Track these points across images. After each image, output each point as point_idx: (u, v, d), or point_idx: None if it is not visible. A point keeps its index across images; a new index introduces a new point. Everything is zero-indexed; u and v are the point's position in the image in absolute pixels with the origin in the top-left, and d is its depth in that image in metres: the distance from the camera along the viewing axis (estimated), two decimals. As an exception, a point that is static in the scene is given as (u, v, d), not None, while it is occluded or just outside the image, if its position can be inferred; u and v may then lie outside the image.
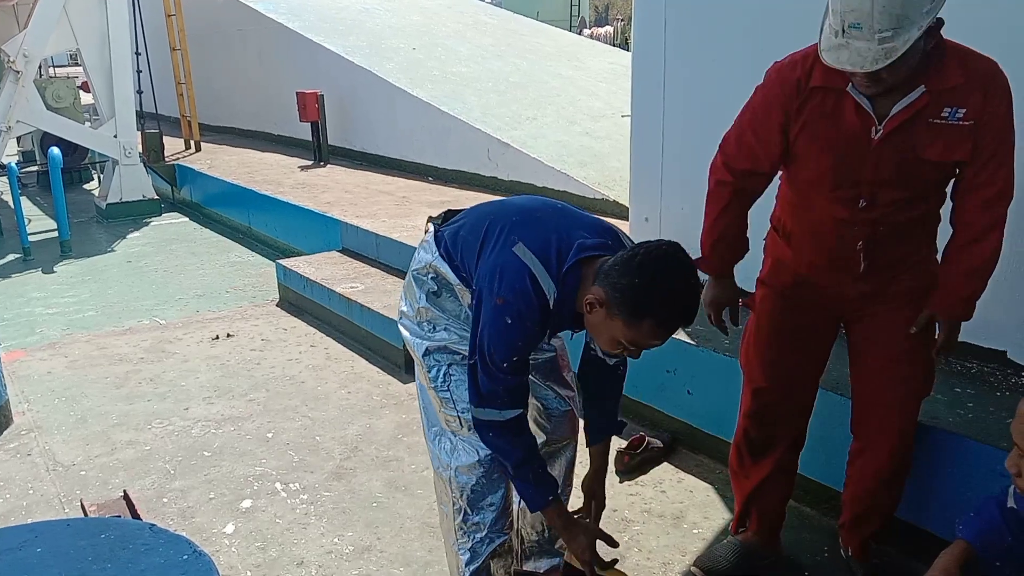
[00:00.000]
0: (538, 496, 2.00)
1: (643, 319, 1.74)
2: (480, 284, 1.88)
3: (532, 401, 2.23)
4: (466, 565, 2.11)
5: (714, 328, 3.07)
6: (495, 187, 6.77)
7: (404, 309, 2.16)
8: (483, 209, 2.06)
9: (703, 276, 2.03)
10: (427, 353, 2.07)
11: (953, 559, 1.75)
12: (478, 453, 2.04)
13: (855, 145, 1.98)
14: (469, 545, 2.10)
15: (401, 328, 2.16)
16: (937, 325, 2.13)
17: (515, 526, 2.21)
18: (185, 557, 1.29)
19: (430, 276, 2.05)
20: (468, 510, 2.08)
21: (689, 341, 3.17)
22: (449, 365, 2.06)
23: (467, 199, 6.46)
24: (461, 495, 2.08)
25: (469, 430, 2.02)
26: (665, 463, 3.15)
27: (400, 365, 4.17)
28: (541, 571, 2.41)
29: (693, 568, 2.51)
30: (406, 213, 6.01)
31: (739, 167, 2.15)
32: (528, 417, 2.16)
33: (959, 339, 2.78)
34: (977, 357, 2.83)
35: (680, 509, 2.85)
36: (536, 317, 1.84)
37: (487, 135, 6.85)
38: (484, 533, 2.09)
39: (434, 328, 2.08)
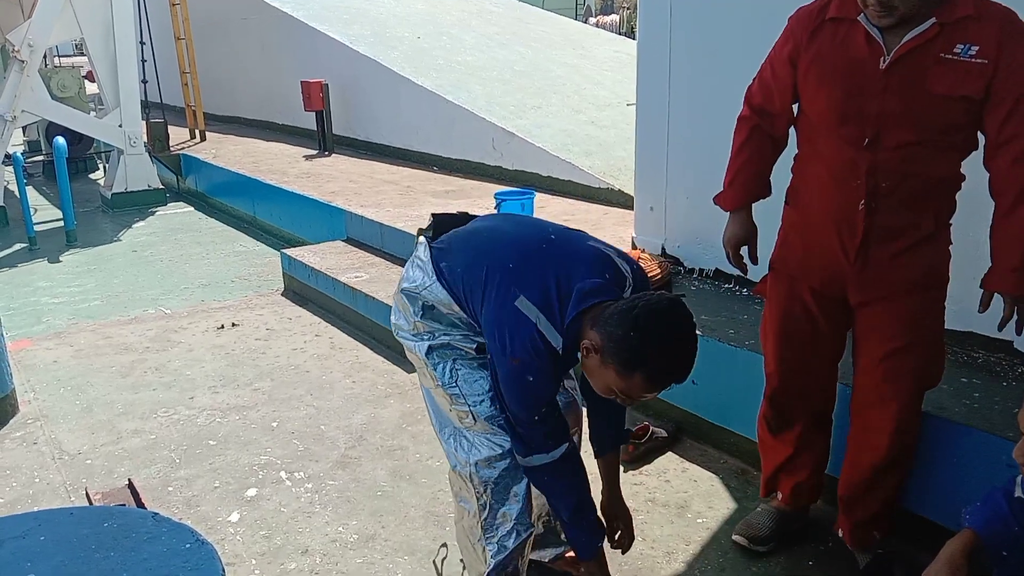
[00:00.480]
0: (591, 544, 2.06)
1: (634, 372, 1.75)
2: (492, 345, 1.90)
3: None
4: (492, 558, 2.10)
5: (720, 318, 3.08)
6: (500, 176, 6.75)
7: (399, 323, 2.14)
8: (475, 244, 2.02)
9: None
10: (430, 351, 2.06)
11: (959, 548, 1.75)
12: (499, 447, 2.04)
13: (863, 74, 1.97)
14: (496, 539, 2.09)
15: (398, 338, 2.16)
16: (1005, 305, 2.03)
17: (538, 518, 2.21)
18: (188, 546, 1.29)
19: (423, 293, 2.04)
20: (493, 503, 2.08)
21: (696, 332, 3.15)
22: (454, 360, 2.05)
23: (472, 189, 6.45)
24: (485, 489, 2.06)
25: (483, 424, 2.03)
26: (669, 453, 3.15)
27: (404, 355, 4.16)
28: (547, 560, 2.41)
29: (735, 537, 2.55)
30: (411, 203, 6.00)
31: (755, 102, 2.25)
32: None
33: (963, 328, 2.81)
34: (984, 347, 2.81)
35: (684, 499, 2.85)
36: (551, 369, 1.88)
37: (492, 124, 6.83)
38: (511, 525, 2.09)
39: (434, 335, 2.07)
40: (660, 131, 3.89)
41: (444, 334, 2.05)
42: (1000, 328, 2.08)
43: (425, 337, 2.07)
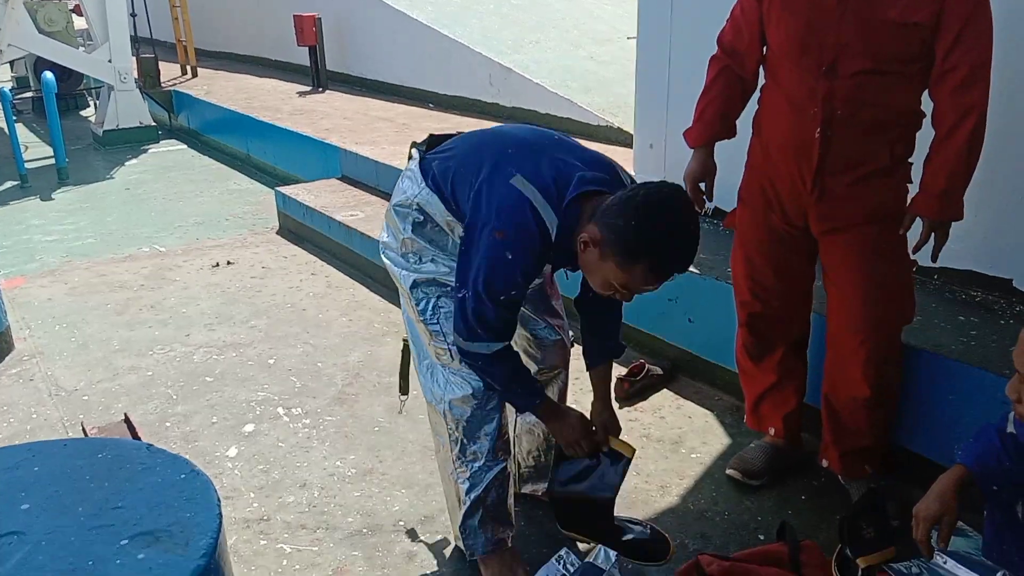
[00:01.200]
0: (527, 402, 2.04)
1: (636, 263, 1.70)
2: (475, 217, 1.83)
3: (523, 332, 2.21)
4: (467, 493, 2.12)
5: (717, 257, 3.07)
6: (497, 114, 6.64)
7: (387, 240, 2.09)
8: (474, 139, 1.98)
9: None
10: (415, 286, 2.03)
11: (950, 483, 1.76)
12: (471, 385, 2.03)
13: (821, 5, 2.04)
14: (468, 474, 2.11)
15: (385, 259, 2.11)
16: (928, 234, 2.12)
17: (511, 451, 2.22)
18: (183, 476, 1.29)
19: (414, 208, 1.98)
20: (465, 440, 2.08)
21: (692, 270, 3.14)
22: (438, 297, 2.01)
23: (468, 126, 6.34)
24: (457, 427, 2.07)
25: (461, 362, 2.01)
26: (664, 390, 3.16)
27: (401, 293, 4.15)
28: (539, 493, 2.44)
29: (729, 471, 2.58)
30: (406, 140, 5.85)
31: (725, 40, 2.30)
32: (518, 348, 2.16)
33: (962, 267, 2.80)
34: (982, 285, 2.80)
35: (678, 435, 2.87)
36: (538, 250, 1.80)
37: (488, 59, 6.69)
38: (482, 462, 2.10)
39: (420, 259, 2.01)
40: (661, 66, 3.80)
41: (431, 260, 2.00)
42: (915, 250, 2.16)
43: (412, 261, 2.02)
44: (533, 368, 2.22)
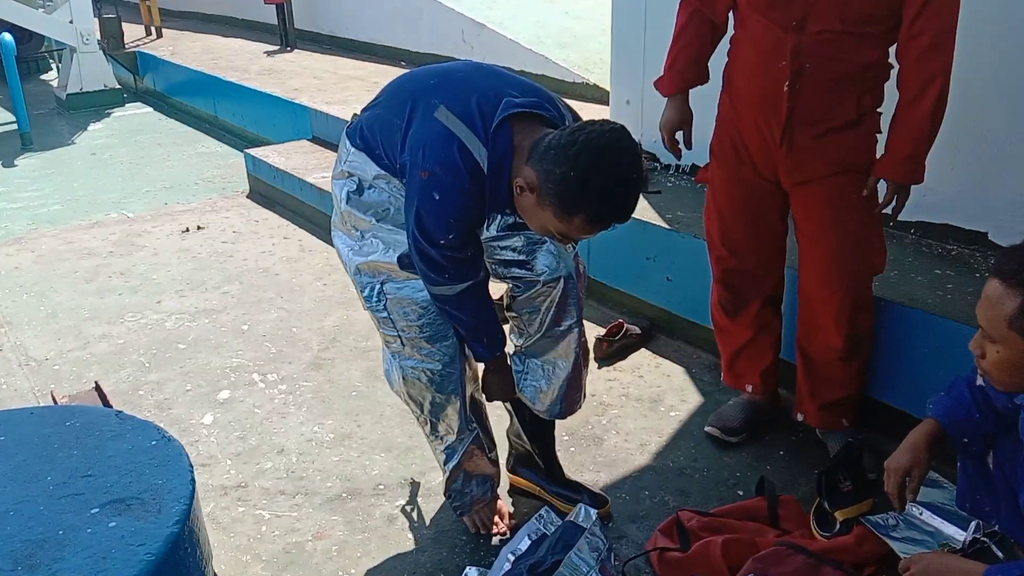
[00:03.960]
0: (488, 353, 2.00)
1: (575, 215, 1.63)
2: (404, 158, 1.74)
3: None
4: (445, 463, 2.15)
5: (695, 215, 3.06)
6: (470, 73, 6.53)
7: (333, 218, 2.02)
8: (398, 81, 1.89)
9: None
10: (358, 272, 1.95)
11: (922, 436, 1.78)
12: (424, 372, 1.99)
13: None
14: (443, 447, 2.13)
15: (334, 240, 2.03)
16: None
17: (482, 415, 2.19)
18: (154, 443, 1.26)
19: (346, 176, 1.90)
20: (434, 421, 2.09)
21: (669, 227, 3.12)
22: (382, 283, 1.93)
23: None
24: (422, 411, 2.07)
25: (412, 349, 1.97)
26: (643, 349, 3.16)
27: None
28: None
29: (708, 428, 2.59)
30: (378, 100, 5.81)
31: None
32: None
33: (939, 220, 2.81)
34: (958, 239, 2.81)
35: (657, 393, 2.88)
36: (467, 187, 1.69)
37: (461, 15, 6.56)
38: (455, 436, 2.10)
39: (362, 236, 1.93)
40: (637, 20, 3.74)
41: (372, 237, 1.91)
42: (879, 210, 2.18)
43: (354, 238, 1.94)
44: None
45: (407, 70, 7.20)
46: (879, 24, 2.02)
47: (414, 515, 2.33)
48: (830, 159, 2.16)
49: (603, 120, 1.64)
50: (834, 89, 2.09)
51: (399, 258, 1.88)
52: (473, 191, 1.71)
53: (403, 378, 2.03)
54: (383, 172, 1.83)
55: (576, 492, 2.26)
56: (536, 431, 2.26)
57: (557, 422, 2.28)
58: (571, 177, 1.57)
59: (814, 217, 2.23)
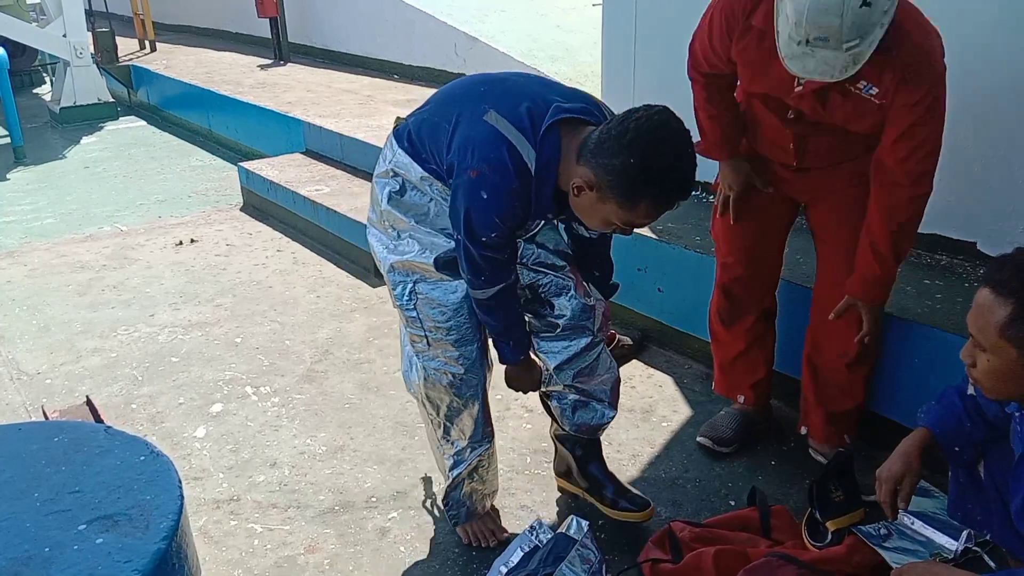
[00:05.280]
0: (513, 356, 2.02)
1: (640, 200, 1.66)
2: (452, 159, 1.77)
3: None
4: (450, 470, 2.16)
5: (686, 226, 3.08)
6: (463, 85, 6.56)
7: (370, 215, 2.06)
8: (447, 88, 1.93)
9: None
10: (392, 269, 1.98)
11: (913, 445, 1.79)
12: (447, 374, 2.02)
13: (781, 88, 2.05)
14: (453, 452, 2.14)
15: (369, 237, 2.06)
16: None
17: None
18: (142, 458, 1.26)
19: (390, 176, 1.93)
20: (448, 424, 2.10)
21: (660, 239, 3.13)
22: (415, 283, 1.96)
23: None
24: (438, 413, 2.09)
25: (437, 350, 1.99)
26: (635, 360, 3.17)
27: (369, 269, 4.11)
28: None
29: (699, 439, 2.60)
30: (371, 112, 5.82)
31: (702, 70, 2.22)
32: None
33: (928, 231, 2.82)
34: (947, 249, 2.82)
35: (649, 403, 2.88)
36: (515, 187, 1.73)
37: (453, 28, 6.58)
38: (466, 442, 2.12)
39: (398, 236, 1.96)
40: (627, 33, 3.77)
41: (408, 237, 1.94)
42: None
43: (391, 237, 1.98)
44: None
45: (398, 82, 7.17)
46: (870, 134, 2.06)
47: (406, 528, 2.32)
48: (845, 177, 2.22)
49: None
50: (838, 146, 2.17)
51: (436, 260, 1.91)
52: (520, 191, 1.74)
53: (425, 378, 2.04)
54: (428, 175, 1.86)
55: (613, 488, 2.27)
56: (585, 454, 2.29)
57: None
58: (631, 164, 1.61)
59: (831, 226, 2.29)
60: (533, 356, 2.13)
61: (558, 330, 2.09)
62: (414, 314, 1.98)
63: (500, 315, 1.94)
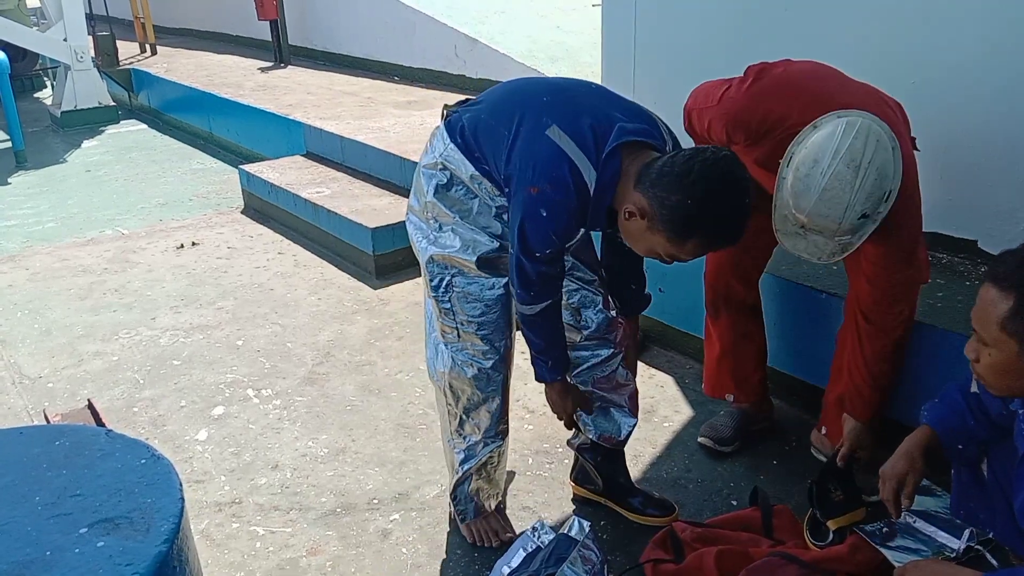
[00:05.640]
0: (546, 375, 2.02)
1: (688, 239, 1.67)
2: (511, 171, 1.76)
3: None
4: (460, 464, 2.16)
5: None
6: (463, 85, 6.57)
7: (412, 204, 2.04)
8: (505, 88, 1.92)
9: None
10: (431, 261, 1.98)
11: (916, 443, 1.79)
12: (473, 366, 2.02)
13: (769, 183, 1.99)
14: (464, 446, 2.15)
15: (408, 225, 2.05)
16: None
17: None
18: (143, 461, 1.26)
19: (439, 168, 1.91)
20: (464, 416, 2.11)
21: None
22: (453, 276, 1.96)
23: (434, 99, 6.27)
24: (456, 403, 2.09)
25: (467, 342, 2.00)
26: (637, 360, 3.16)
27: (371, 271, 4.11)
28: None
29: (701, 439, 2.60)
30: (371, 114, 5.83)
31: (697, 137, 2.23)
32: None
33: (928, 229, 2.81)
34: (947, 247, 2.82)
35: (651, 404, 2.88)
36: (574, 206, 1.73)
37: (454, 30, 6.60)
38: (479, 437, 2.13)
39: (440, 228, 1.95)
40: (627, 34, 3.77)
41: (450, 230, 1.93)
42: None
43: (432, 227, 1.96)
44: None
45: (398, 84, 7.17)
46: None
47: (408, 530, 2.32)
48: None
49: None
50: None
51: (478, 259, 1.91)
52: (578, 210, 1.75)
53: (452, 366, 2.04)
54: (479, 173, 1.86)
55: (640, 499, 2.30)
56: (606, 454, 2.31)
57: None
58: (688, 205, 1.62)
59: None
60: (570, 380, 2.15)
61: (580, 339, 2.13)
62: (448, 306, 1.99)
63: (543, 332, 1.95)
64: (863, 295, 2.12)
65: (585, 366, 2.17)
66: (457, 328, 2.00)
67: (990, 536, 1.89)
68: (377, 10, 7.44)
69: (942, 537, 2.03)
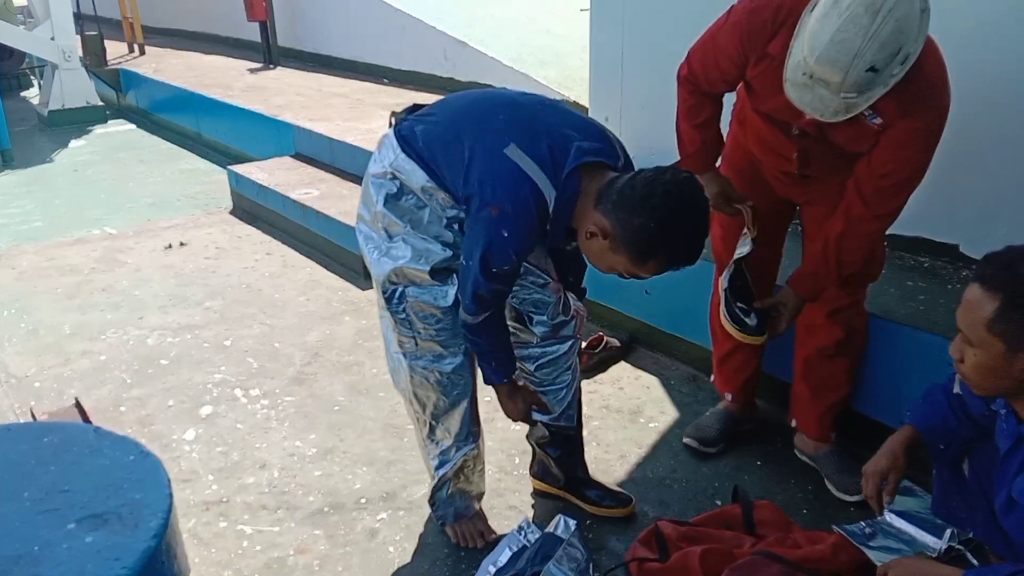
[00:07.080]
0: (497, 378, 2.04)
1: (650, 259, 1.71)
2: (470, 191, 1.77)
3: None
4: (436, 469, 2.18)
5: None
6: (452, 88, 6.57)
7: (362, 212, 2.04)
8: (459, 103, 1.92)
9: None
10: (383, 275, 1.98)
11: (899, 443, 1.81)
12: (434, 372, 2.03)
13: (789, 114, 2.01)
14: (438, 452, 2.16)
15: (358, 234, 2.05)
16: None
17: (482, 435, 2.22)
18: (132, 458, 1.27)
19: (388, 178, 1.91)
20: (433, 423, 2.12)
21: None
22: (405, 287, 1.96)
23: (423, 101, 6.27)
24: (424, 411, 2.10)
25: (425, 350, 2.01)
26: (623, 362, 3.18)
27: (359, 272, 4.12)
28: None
29: (686, 440, 2.62)
30: (361, 116, 5.84)
31: (701, 86, 2.19)
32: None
33: (911, 233, 2.86)
34: (929, 251, 2.86)
35: (637, 405, 2.90)
36: (535, 224, 1.76)
37: (443, 33, 6.61)
38: (451, 442, 2.14)
39: (390, 238, 1.94)
40: (615, 38, 3.79)
41: (400, 240, 1.93)
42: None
43: (381, 237, 1.96)
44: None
45: (387, 86, 7.18)
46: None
47: (396, 529, 2.33)
48: (843, 183, 2.16)
49: (672, 168, 1.71)
50: (842, 156, 2.11)
51: (431, 269, 1.92)
52: (538, 228, 1.78)
53: (411, 377, 2.05)
54: (433, 185, 1.86)
55: (598, 491, 2.33)
56: (564, 448, 2.33)
57: (525, 431, 2.35)
58: (650, 227, 1.66)
59: (821, 224, 2.24)
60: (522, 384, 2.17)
61: (536, 340, 2.17)
62: (404, 316, 1.98)
63: (486, 336, 1.96)
64: (863, 166, 2.04)
65: (544, 360, 2.19)
66: (415, 337, 2.00)
67: (971, 536, 1.92)
68: (367, 13, 7.45)
69: (924, 537, 2.06)
